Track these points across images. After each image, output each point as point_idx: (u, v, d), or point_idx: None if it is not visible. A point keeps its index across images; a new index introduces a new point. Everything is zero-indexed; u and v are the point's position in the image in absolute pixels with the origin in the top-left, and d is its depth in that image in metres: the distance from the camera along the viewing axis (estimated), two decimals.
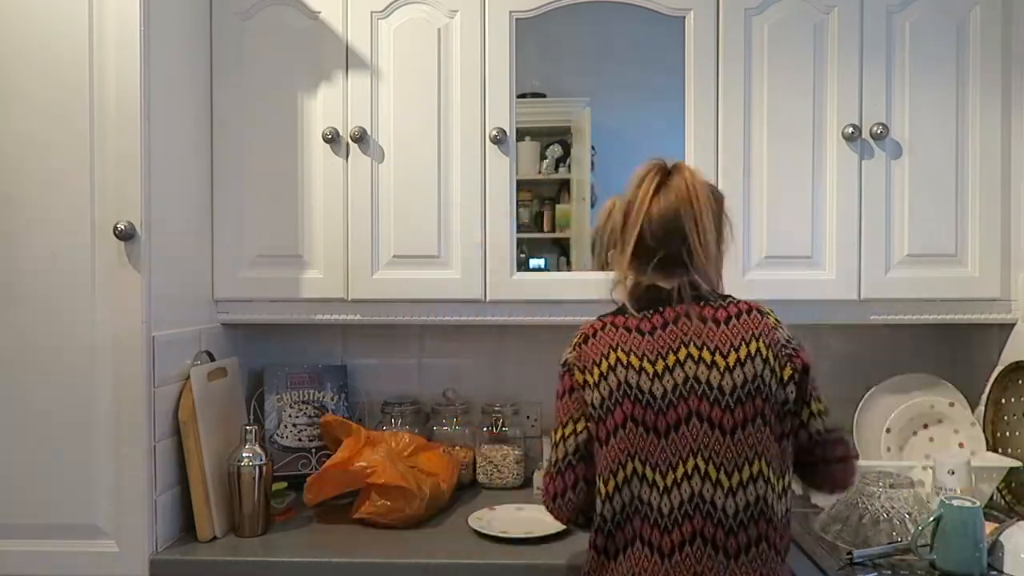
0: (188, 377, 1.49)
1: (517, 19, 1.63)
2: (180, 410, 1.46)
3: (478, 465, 1.82)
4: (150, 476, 1.38)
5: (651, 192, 1.14)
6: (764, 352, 1.09)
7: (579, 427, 1.15)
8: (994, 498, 1.59)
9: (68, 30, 1.34)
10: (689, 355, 1.10)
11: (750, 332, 1.11)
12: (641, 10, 1.63)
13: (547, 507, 1.19)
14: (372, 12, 1.63)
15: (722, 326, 1.11)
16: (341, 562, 1.37)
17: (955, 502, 1.27)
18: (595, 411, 1.12)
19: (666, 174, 1.17)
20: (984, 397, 1.69)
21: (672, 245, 1.14)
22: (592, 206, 1.75)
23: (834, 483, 1.19)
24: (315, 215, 1.65)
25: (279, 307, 1.67)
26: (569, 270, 1.75)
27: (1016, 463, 1.55)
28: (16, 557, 1.37)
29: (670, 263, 1.15)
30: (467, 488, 1.79)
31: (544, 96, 1.73)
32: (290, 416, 1.82)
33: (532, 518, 1.53)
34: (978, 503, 1.27)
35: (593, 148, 1.75)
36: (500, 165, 1.63)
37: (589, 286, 1.64)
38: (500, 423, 1.83)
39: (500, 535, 1.45)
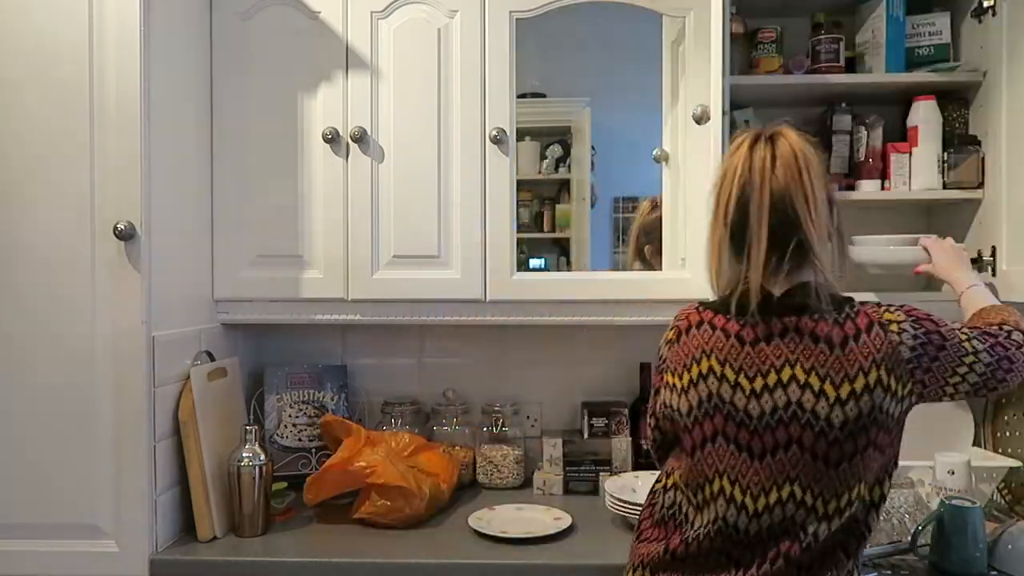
0: (188, 377, 1.49)
1: (517, 19, 1.63)
2: (180, 410, 1.46)
3: (478, 465, 1.82)
4: (150, 476, 1.38)
5: (764, 160, 1.00)
6: (885, 380, 0.98)
7: (660, 423, 1.12)
8: (994, 498, 1.59)
9: (68, 30, 1.34)
10: (794, 377, 0.99)
11: (870, 359, 0.98)
12: (641, 10, 1.63)
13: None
14: (372, 12, 1.63)
15: (836, 350, 0.99)
16: (341, 562, 1.37)
17: (955, 502, 1.27)
18: (681, 419, 1.05)
19: (769, 141, 1.03)
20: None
21: (782, 232, 1.00)
22: (592, 206, 1.75)
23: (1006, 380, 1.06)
24: (315, 215, 1.65)
25: (279, 307, 1.67)
26: (569, 270, 1.75)
27: (1016, 463, 1.55)
28: (16, 557, 1.37)
29: (779, 255, 1.01)
30: (467, 488, 1.79)
31: (544, 96, 1.73)
32: (290, 416, 1.82)
33: (532, 518, 1.53)
34: (978, 503, 1.27)
35: (593, 148, 1.75)
36: (500, 165, 1.63)
37: (588, 286, 1.65)
38: (500, 423, 1.83)
39: (500, 535, 1.45)
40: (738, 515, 1.01)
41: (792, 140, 1.04)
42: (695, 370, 1.04)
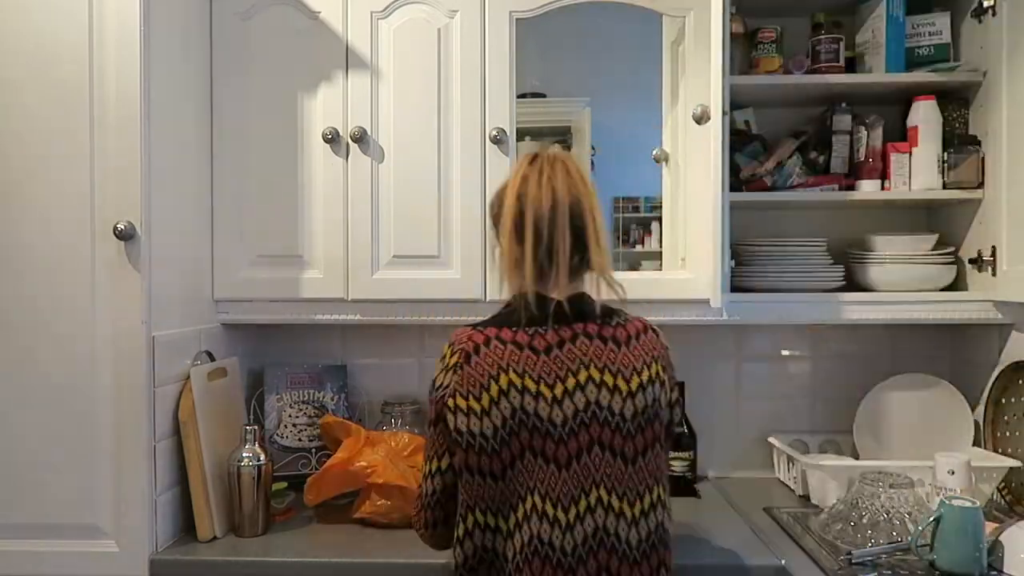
0: (188, 377, 1.49)
1: (517, 19, 1.63)
2: (180, 410, 1.46)
3: None
4: (150, 476, 1.38)
5: (540, 176, 1.05)
6: (662, 375, 1.06)
7: (444, 464, 1.07)
8: (994, 498, 1.59)
9: (68, 30, 1.34)
10: (591, 378, 1.03)
11: (650, 354, 1.07)
12: (641, 10, 1.63)
13: (421, 534, 1.14)
14: (372, 12, 1.63)
15: (623, 347, 1.06)
16: (341, 562, 1.37)
17: (955, 502, 1.27)
18: (487, 443, 1.01)
19: (550, 161, 1.07)
20: (984, 397, 1.69)
21: (573, 243, 1.04)
22: None
23: None
24: (315, 215, 1.65)
25: (279, 307, 1.67)
26: None
27: (1016, 463, 1.56)
28: (16, 557, 1.37)
29: (562, 265, 1.04)
30: None
31: (544, 96, 1.73)
32: (290, 416, 1.82)
33: None
34: (978, 503, 1.27)
35: (593, 148, 1.75)
36: (500, 165, 1.63)
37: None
38: None
39: None
40: (551, 530, 1.00)
41: (571, 160, 1.09)
42: (494, 388, 1.02)
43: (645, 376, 1.04)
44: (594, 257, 1.06)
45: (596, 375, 1.03)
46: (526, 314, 1.05)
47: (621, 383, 1.03)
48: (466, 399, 1.02)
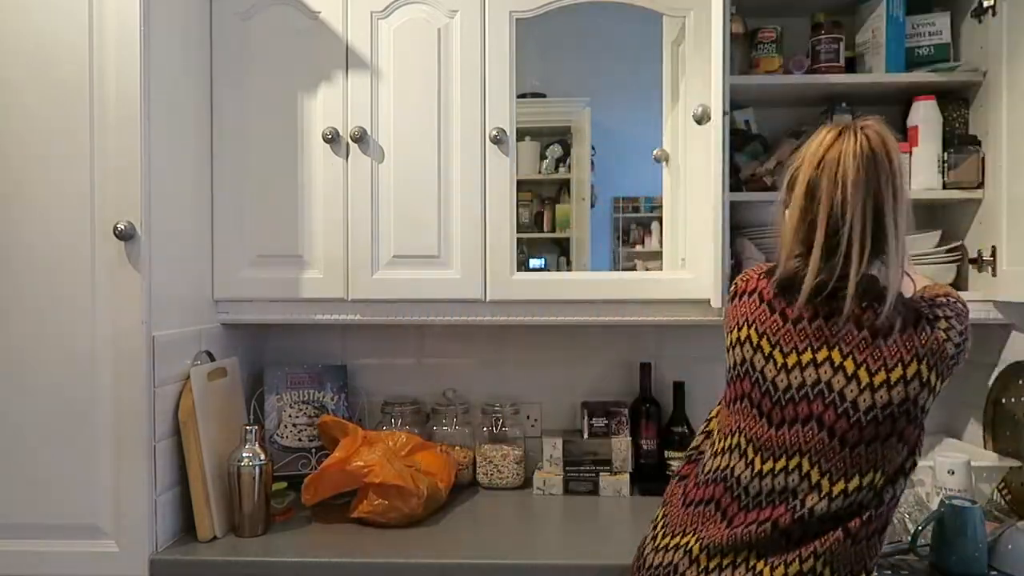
0: (188, 377, 1.49)
1: (517, 19, 1.63)
2: (180, 410, 1.46)
3: (478, 465, 1.82)
4: (150, 476, 1.38)
5: (847, 149, 1.01)
6: (925, 374, 1.00)
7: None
8: (994, 498, 1.59)
9: (68, 30, 1.34)
10: (829, 359, 1.02)
11: (912, 353, 1.00)
12: (641, 10, 1.63)
13: None
14: (372, 12, 1.63)
15: (879, 340, 1.01)
16: (341, 562, 1.37)
17: (955, 502, 1.27)
18: (728, 370, 1.14)
19: (861, 134, 1.03)
20: (984, 397, 1.69)
21: (859, 221, 1.00)
22: (592, 206, 1.75)
23: None
24: (315, 215, 1.65)
25: (279, 307, 1.67)
26: (569, 270, 1.74)
27: (1016, 463, 1.55)
28: (16, 557, 1.37)
29: (848, 244, 1.00)
30: (466, 488, 1.79)
31: (544, 96, 1.73)
32: (290, 416, 1.82)
33: None
34: (978, 503, 1.27)
35: (593, 148, 1.75)
36: (500, 165, 1.63)
37: (588, 286, 1.65)
38: (500, 423, 1.83)
39: None
40: (745, 469, 1.07)
41: (883, 135, 1.04)
42: (734, 335, 1.11)
43: (896, 375, 1.00)
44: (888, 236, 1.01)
45: (837, 358, 1.03)
46: (796, 283, 1.05)
47: (863, 374, 1.01)
48: (728, 329, 1.14)
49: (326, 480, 1.53)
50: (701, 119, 1.59)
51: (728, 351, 1.13)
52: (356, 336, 1.95)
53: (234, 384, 1.68)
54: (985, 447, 1.67)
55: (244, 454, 1.48)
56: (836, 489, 1.02)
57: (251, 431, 1.50)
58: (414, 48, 1.64)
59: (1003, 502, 1.59)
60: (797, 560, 1.02)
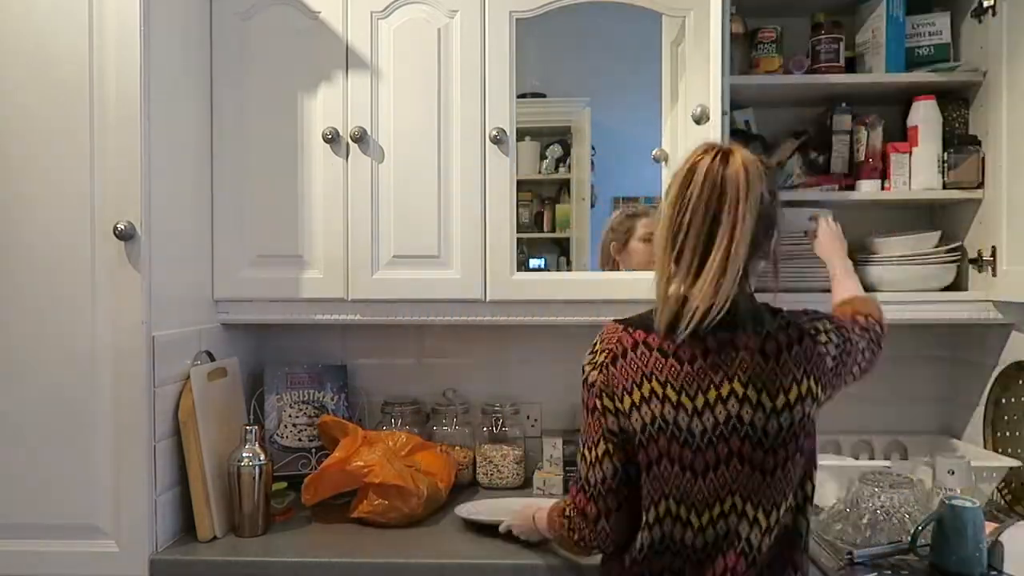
0: (188, 377, 1.49)
1: (517, 19, 1.62)
2: (180, 410, 1.46)
3: (478, 465, 1.82)
4: (150, 476, 1.38)
5: (702, 169, 1.01)
6: (814, 389, 1.03)
7: (611, 447, 1.07)
8: (994, 498, 1.59)
9: (68, 30, 1.34)
10: (733, 392, 1.01)
11: (802, 368, 1.02)
12: (641, 10, 1.63)
13: (576, 533, 1.11)
14: (372, 12, 1.63)
15: (771, 362, 1.02)
16: (341, 562, 1.37)
17: (955, 502, 1.27)
18: (628, 441, 1.06)
19: (721, 155, 1.03)
20: (984, 397, 1.69)
21: (710, 241, 1.00)
22: (592, 206, 1.75)
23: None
24: (315, 215, 1.65)
25: (279, 307, 1.67)
26: (569, 270, 1.74)
27: (1016, 463, 1.55)
28: (16, 557, 1.37)
29: (706, 265, 1.00)
30: (466, 488, 1.79)
31: (544, 96, 1.73)
32: (290, 416, 1.82)
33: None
34: (978, 503, 1.27)
35: (593, 148, 1.75)
36: (500, 165, 1.63)
37: (588, 286, 1.65)
38: (500, 423, 1.83)
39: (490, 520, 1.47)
40: (684, 532, 1.04)
41: (743, 157, 1.03)
42: (637, 395, 1.04)
43: (793, 395, 1.02)
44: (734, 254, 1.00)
45: (739, 389, 1.01)
46: (669, 320, 1.03)
47: (765, 399, 1.01)
48: (611, 399, 1.05)
49: (326, 480, 1.53)
50: (700, 119, 1.59)
51: (624, 418, 1.04)
52: (356, 336, 1.95)
53: (234, 384, 1.68)
54: (985, 447, 1.67)
55: (244, 454, 1.48)
56: (772, 520, 1.03)
57: (251, 431, 1.50)
58: (414, 48, 1.64)
59: (1003, 502, 1.59)
60: None
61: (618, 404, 1.05)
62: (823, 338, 1.06)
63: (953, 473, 1.46)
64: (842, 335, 1.10)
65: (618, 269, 1.70)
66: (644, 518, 1.06)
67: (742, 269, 1.01)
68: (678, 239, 1.03)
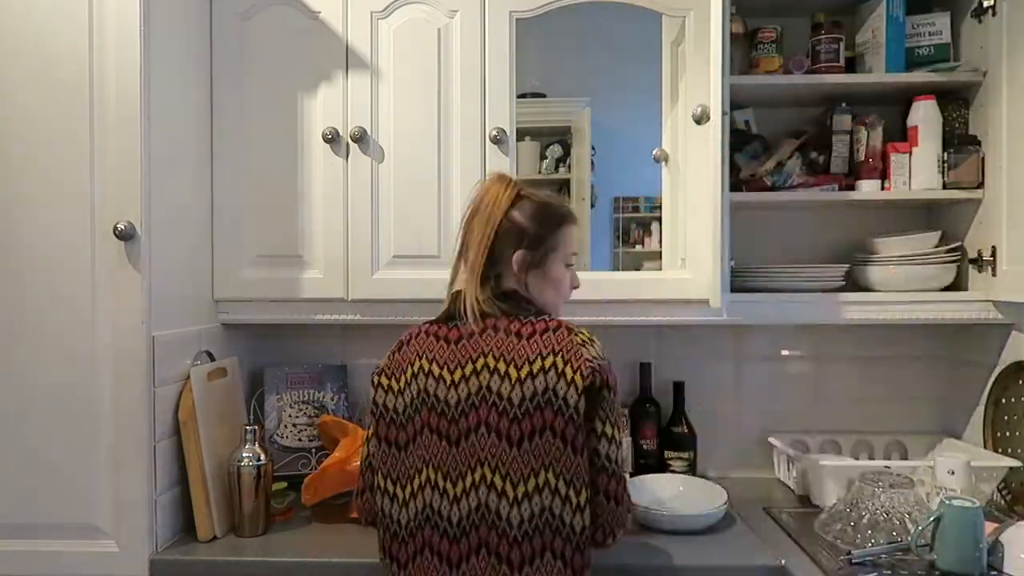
0: (188, 377, 1.49)
1: (517, 19, 1.63)
2: (180, 410, 1.46)
3: None
4: (150, 476, 1.38)
5: (496, 197, 1.20)
6: (560, 366, 1.09)
7: (369, 433, 1.20)
8: (994, 498, 1.59)
9: (68, 30, 1.34)
10: (486, 365, 1.11)
11: (550, 347, 1.11)
12: (641, 10, 1.63)
13: (357, 504, 1.23)
14: (372, 12, 1.63)
15: (523, 340, 1.12)
16: (341, 562, 1.37)
17: (955, 502, 1.27)
18: (397, 416, 1.15)
19: (507, 183, 1.22)
20: (984, 397, 1.69)
21: (480, 249, 1.18)
22: (592, 206, 1.75)
23: (596, 523, 1.10)
24: (315, 215, 1.65)
25: (279, 307, 1.67)
26: None
27: (1016, 463, 1.55)
28: (16, 557, 1.37)
29: (490, 272, 1.19)
30: None
31: (544, 96, 1.73)
32: (290, 416, 1.82)
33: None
34: (978, 503, 1.27)
35: (593, 148, 1.75)
36: (500, 165, 1.63)
37: (588, 286, 1.64)
38: None
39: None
40: (440, 500, 1.10)
41: (505, 182, 1.23)
42: (409, 372, 1.16)
43: (537, 366, 1.09)
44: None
45: (492, 363, 1.12)
46: (450, 311, 1.20)
47: (512, 370, 1.10)
48: (390, 378, 1.17)
49: (326, 480, 1.53)
50: (700, 119, 1.59)
51: (398, 396, 1.16)
52: (356, 336, 1.95)
53: (234, 384, 1.68)
54: (985, 447, 1.67)
55: (244, 454, 1.48)
56: (519, 492, 1.07)
57: (251, 431, 1.50)
58: (414, 48, 1.64)
59: (1003, 502, 1.59)
60: None
61: (394, 382, 1.17)
62: (582, 336, 1.14)
63: (953, 473, 1.46)
64: (605, 360, 1.14)
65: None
66: (405, 492, 1.13)
67: (497, 271, 1.20)
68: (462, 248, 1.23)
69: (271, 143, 1.65)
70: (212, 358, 1.61)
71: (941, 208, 1.83)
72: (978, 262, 1.65)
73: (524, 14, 1.63)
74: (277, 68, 1.64)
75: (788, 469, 1.77)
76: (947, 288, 1.70)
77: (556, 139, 1.76)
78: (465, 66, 1.63)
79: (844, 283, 1.73)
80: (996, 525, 1.34)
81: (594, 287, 1.64)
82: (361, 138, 1.62)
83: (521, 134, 1.67)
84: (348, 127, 1.63)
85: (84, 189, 1.35)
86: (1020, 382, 1.60)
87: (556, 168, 1.76)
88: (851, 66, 1.76)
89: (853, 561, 1.30)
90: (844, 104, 1.76)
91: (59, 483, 1.37)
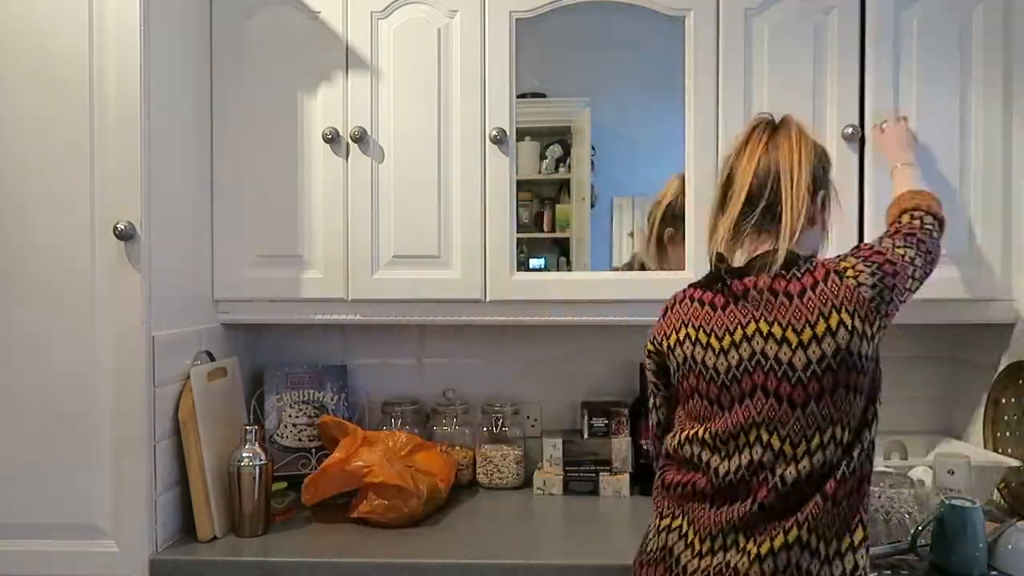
0: (188, 377, 1.49)
1: (517, 19, 1.63)
2: (180, 410, 1.46)
3: (478, 465, 1.82)
4: (150, 476, 1.38)
5: (755, 145, 1.15)
6: (848, 322, 1.05)
7: (658, 401, 1.26)
8: (994, 498, 1.59)
9: (68, 30, 1.34)
10: (758, 331, 1.09)
11: (829, 304, 1.06)
12: (641, 10, 1.63)
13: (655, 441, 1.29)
14: (372, 12, 1.63)
15: (795, 300, 1.07)
16: (341, 562, 1.37)
17: (955, 502, 1.27)
18: (672, 376, 1.20)
19: (773, 129, 1.16)
20: (984, 397, 1.69)
21: (762, 205, 1.13)
22: (592, 206, 1.75)
23: None
24: (315, 215, 1.65)
25: (279, 307, 1.67)
26: (569, 270, 1.74)
27: (1016, 463, 1.55)
28: (16, 557, 1.37)
29: (757, 226, 1.14)
30: (466, 488, 1.79)
31: (544, 96, 1.73)
32: (290, 416, 1.82)
33: None
34: (978, 503, 1.27)
35: (593, 148, 1.75)
36: (500, 165, 1.63)
37: (589, 286, 1.65)
38: (500, 423, 1.83)
39: None
40: (712, 455, 1.11)
41: (792, 127, 1.16)
42: (673, 337, 1.18)
43: (821, 328, 1.05)
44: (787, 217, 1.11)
45: (764, 328, 1.08)
46: (711, 273, 1.18)
47: (790, 335, 1.07)
48: (653, 343, 1.23)
49: (326, 480, 1.53)
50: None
51: (668, 357, 1.19)
52: (356, 336, 1.95)
53: (234, 384, 1.68)
54: (985, 447, 1.67)
55: (244, 454, 1.48)
56: (800, 451, 1.05)
57: (251, 431, 1.50)
58: (414, 48, 1.64)
59: (1003, 502, 1.59)
60: (782, 533, 1.04)
61: (660, 345, 1.21)
62: (851, 273, 1.09)
63: (953, 473, 1.46)
64: (875, 263, 1.11)
65: (665, 254, 1.67)
66: (680, 435, 1.17)
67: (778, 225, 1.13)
68: (732, 208, 1.16)
69: (271, 143, 1.65)
70: (212, 358, 1.61)
71: None
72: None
73: (524, 14, 1.63)
74: (277, 68, 1.64)
75: None
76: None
77: (556, 139, 1.76)
78: (465, 66, 1.63)
79: None
80: (996, 525, 1.34)
81: (594, 287, 1.64)
82: (361, 138, 1.62)
83: (521, 134, 1.67)
84: (348, 127, 1.63)
85: (84, 189, 1.35)
86: (1020, 382, 1.60)
87: (556, 168, 1.76)
88: None
89: None
90: None
91: (59, 483, 1.37)
